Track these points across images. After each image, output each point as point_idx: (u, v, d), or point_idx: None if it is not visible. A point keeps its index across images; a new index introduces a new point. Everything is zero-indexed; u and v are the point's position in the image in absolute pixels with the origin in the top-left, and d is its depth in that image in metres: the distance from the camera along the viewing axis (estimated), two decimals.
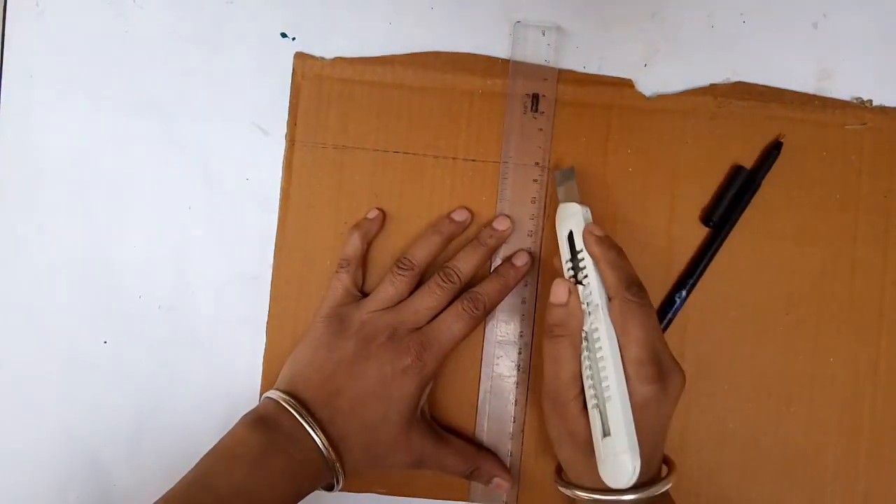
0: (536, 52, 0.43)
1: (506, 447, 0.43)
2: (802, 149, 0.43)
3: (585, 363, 0.37)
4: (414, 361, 0.39)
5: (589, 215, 0.40)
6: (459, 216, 0.43)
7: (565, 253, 0.39)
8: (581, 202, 0.40)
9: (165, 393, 0.44)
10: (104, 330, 0.44)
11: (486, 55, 0.44)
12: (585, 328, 0.37)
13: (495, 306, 0.42)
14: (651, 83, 0.44)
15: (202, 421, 0.44)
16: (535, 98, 0.43)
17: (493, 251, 0.42)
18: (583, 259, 0.38)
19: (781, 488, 0.43)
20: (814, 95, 0.44)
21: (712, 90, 0.44)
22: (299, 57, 0.44)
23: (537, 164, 0.43)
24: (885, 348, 0.43)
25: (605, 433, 0.35)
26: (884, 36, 0.44)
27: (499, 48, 0.44)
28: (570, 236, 0.39)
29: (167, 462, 0.44)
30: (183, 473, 0.43)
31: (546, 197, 0.43)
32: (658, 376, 0.36)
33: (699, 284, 0.43)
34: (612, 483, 0.34)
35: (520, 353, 0.43)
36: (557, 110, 0.43)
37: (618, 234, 0.43)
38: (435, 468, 0.41)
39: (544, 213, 0.43)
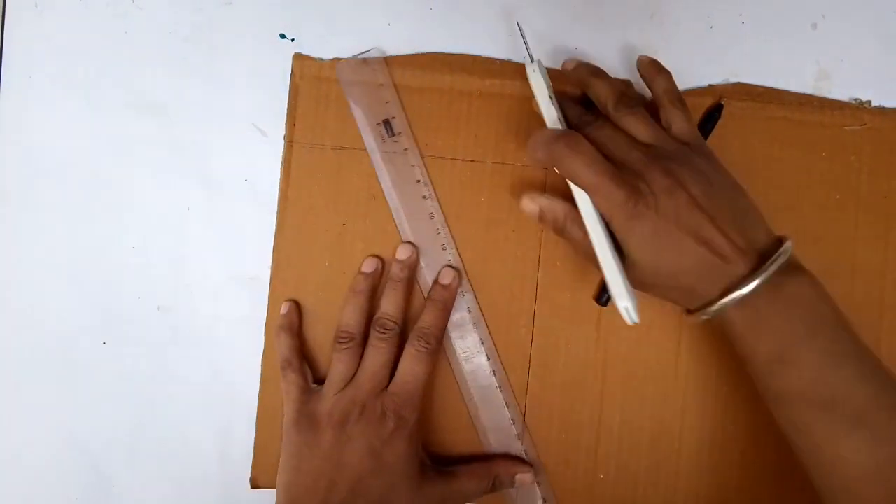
0: (373, 77, 0.43)
1: (517, 448, 0.43)
2: (802, 149, 0.43)
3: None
4: (396, 422, 0.39)
5: (537, 73, 0.39)
6: (368, 267, 0.42)
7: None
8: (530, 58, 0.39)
9: (164, 394, 0.44)
10: (103, 331, 0.44)
11: (484, 56, 0.44)
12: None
13: (444, 332, 0.42)
14: None
15: (201, 422, 0.44)
16: (387, 123, 0.42)
17: (411, 281, 0.42)
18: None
19: (781, 490, 0.43)
20: (813, 96, 0.44)
21: (711, 91, 0.44)
22: (298, 58, 0.44)
23: (418, 181, 0.43)
24: (884, 350, 0.43)
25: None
26: (883, 36, 0.44)
27: (498, 48, 0.44)
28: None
29: (166, 463, 0.44)
30: (183, 474, 0.44)
31: (441, 210, 0.43)
32: (622, 186, 0.35)
33: None
34: (627, 322, 0.36)
35: (489, 359, 0.43)
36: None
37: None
38: (460, 501, 0.41)
39: (446, 224, 0.43)
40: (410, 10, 0.44)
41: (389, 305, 0.41)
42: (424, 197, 0.43)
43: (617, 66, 0.44)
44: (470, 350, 0.43)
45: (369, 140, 0.43)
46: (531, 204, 0.39)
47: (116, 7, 0.44)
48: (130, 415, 0.44)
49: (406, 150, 0.43)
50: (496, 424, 0.43)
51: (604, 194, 0.35)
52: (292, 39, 0.44)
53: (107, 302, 0.44)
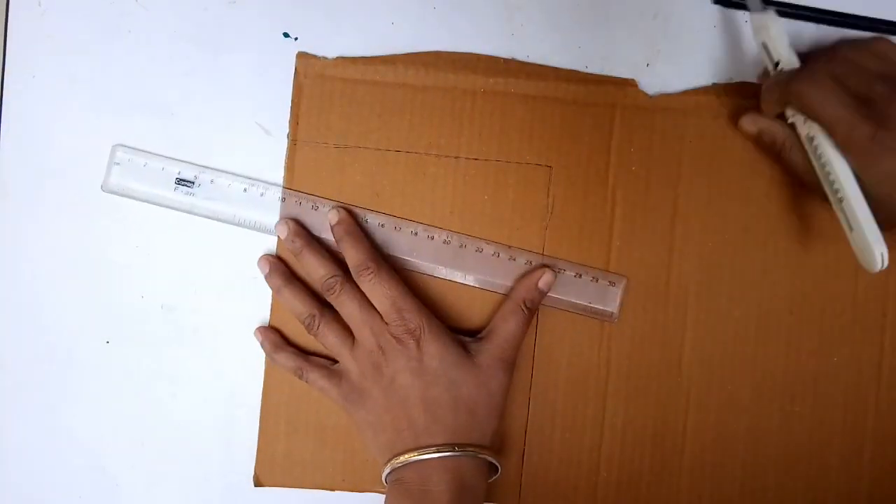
0: None
1: (521, 269, 0.43)
2: None
3: (817, 165, 0.38)
4: (413, 335, 0.39)
5: (779, 24, 0.40)
6: (265, 268, 0.42)
7: (768, 65, 0.41)
8: (762, 9, 0.41)
9: (168, 392, 0.44)
10: (106, 330, 0.44)
11: (489, 55, 0.44)
12: (804, 134, 0.39)
13: (373, 253, 0.41)
14: (653, 82, 0.44)
15: (205, 420, 0.44)
16: (180, 180, 0.43)
17: (311, 241, 0.42)
18: (780, 70, 0.40)
19: (784, 489, 0.43)
20: None
21: (715, 90, 0.44)
22: (301, 56, 0.44)
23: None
24: (888, 347, 0.43)
25: (850, 228, 0.37)
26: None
27: (501, 47, 0.44)
28: (766, 48, 0.41)
29: (170, 462, 0.44)
30: (186, 473, 0.44)
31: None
32: (866, 121, 0.35)
33: (702, 283, 0.43)
34: (867, 268, 0.36)
35: (432, 238, 0.43)
36: (560, 109, 0.43)
37: (621, 233, 0.43)
38: (516, 347, 0.41)
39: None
40: (413, 9, 0.44)
41: (316, 269, 0.41)
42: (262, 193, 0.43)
43: (620, 65, 0.44)
44: (408, 244, 0.43)
45: (177, 197, 0.43)
46: (751, 125, 0.41)
47: (120, 7, 0.44)
48: (134, 413, 0.44)
49: (212, 180, 0.43)
50: (486, 270, 0.43)
51: (847, 128, 0.35)
52: (296, 38, 0.44)
53: (110, 300, 0.44)
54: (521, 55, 0.44)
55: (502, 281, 0.43)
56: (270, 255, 0.43)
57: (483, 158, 0.43)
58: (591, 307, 0.43)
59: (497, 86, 0.43)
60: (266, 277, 0.43)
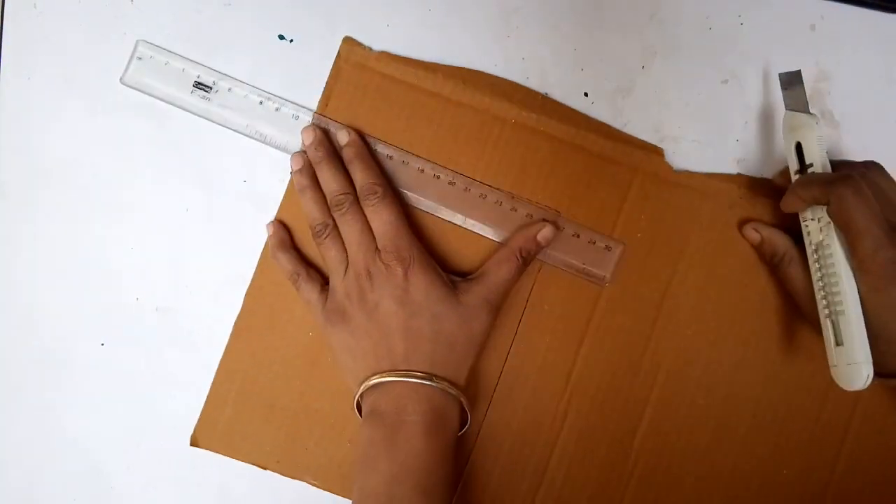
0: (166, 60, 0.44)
1: (521, 219, 0.43)
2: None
3: (817, 275, 0.38)
4: (402, 265, 0.39)
5: (821, 128, 0.39)
6: (297, 165, 0.42)
7: (793, 164, 0.40)
8: (808, 111, 0.40)
9: (163, 394, 0.44)
10: (101, 332, 0.44)
11: (527, 87, 0.44)
12: (815, 241, 0.38)
13: (381, 177, 0.42)
14: (649, 84, 0.44)
15: None
16: (199, 84, 0.43)
17: (333, 153, 0.42)
18: (812, 172, 0.39)
19: None
20: None
21: (738, 179, 0.44)
22: (347, 41, 0.44)
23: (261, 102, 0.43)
24: (838, 472, 0.43)
25: (838, 343, 0.36)
26: (881, 37, 0.44)
27: (497, 49, 0.44)
28: (799, 147, 0.40)
29: (165, 464, 0.44)
30: (181, 475, 0.43)
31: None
32: (893, 245, 0.35)
33: (675, 364, 0.43)
34: (845, 386, 0.36)
35: (437, 177, 0.43)
36: (583, 159, 0.43)
37: (609, 295, 0.43)
38: (504, 293, 0.41)
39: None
40: (410, 11, 0.44)
41: (329, 183, 0.42)
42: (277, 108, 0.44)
43: (616, 68, 0.44)
44: (414, 179, 0.43)
45: (193, 101, 0.43)
46: (754, 233, 0.42)
47: (115, 8, 0.44)
48: (128, 415, 0.44)
49: (230, 88, 0.43)
50: (487, 216, 0.43)
51: (873, 245, 0.36)
52: (291, 41, 0.44)
53: (105, 303, 0.44)
54: (517, 57, 0.44)
55: (500, 229, 0.43)
56: (304, 155, 0.43)
57: (496, 187, 0.43)
58: (585, 269, 0.43)
59: (529, 120, 0.43)
60: (294, 173, 0.43)
